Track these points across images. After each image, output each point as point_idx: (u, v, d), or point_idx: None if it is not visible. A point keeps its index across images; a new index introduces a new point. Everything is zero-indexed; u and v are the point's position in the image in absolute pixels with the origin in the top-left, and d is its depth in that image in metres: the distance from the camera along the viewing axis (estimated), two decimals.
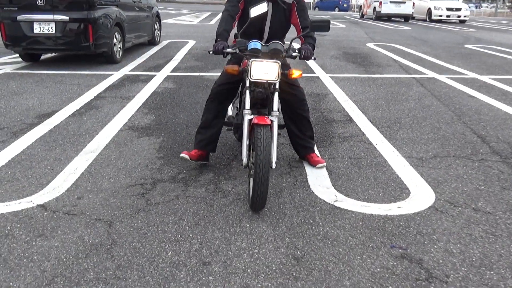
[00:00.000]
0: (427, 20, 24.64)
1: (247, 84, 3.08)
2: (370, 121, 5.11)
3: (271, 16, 3.45)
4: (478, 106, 5.90)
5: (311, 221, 2.90)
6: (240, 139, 3.55)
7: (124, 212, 2.96)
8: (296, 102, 3.59)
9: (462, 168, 3.84)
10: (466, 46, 12.89)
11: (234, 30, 3.49)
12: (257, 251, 2.55)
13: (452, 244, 2.67)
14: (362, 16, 27.71)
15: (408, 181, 3.55)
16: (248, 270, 2.38)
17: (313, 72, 8.10)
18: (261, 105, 3.20)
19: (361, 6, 28.56)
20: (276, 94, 3.11)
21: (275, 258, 2.49)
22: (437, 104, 5.94)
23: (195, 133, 3.73)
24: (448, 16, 23.86)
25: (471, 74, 8.23)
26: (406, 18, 24.29)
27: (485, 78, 7.84)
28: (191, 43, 11.94)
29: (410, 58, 10.11)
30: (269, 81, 3.02)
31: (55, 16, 7.55)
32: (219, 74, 3.70)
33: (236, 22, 3.49)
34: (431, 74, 8.17)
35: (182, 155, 3.64)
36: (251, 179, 2.98)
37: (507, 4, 50.25)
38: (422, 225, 2.87)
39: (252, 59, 2.97)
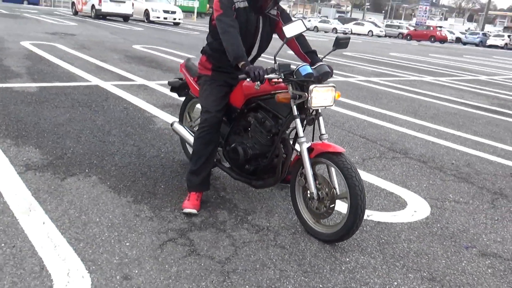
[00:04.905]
0: (146, 21, 25.25)
1: (296, 112, 2.83)
2: None
3: (261, 30, 3.17)
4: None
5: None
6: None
7: None
8: None
9: None
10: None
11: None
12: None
13: None
14: (75, 13, 25.97)
15: None
16: None
17: (130, 80, 7.42)
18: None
19: (73, 2, 26.50)
20: (321, 118, 2.94)
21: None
22: None
23: (190, 174, 3.12)
24: (165, 18, 25.09)
25: None
26: (126, 18, 24.22)
27: None
28: None
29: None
30: (326, 107, 2.86)
31: None
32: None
33: None
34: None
35: (186, 210, 3.02)
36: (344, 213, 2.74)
37: None
38: None
39: (313, 86, 2.74)
